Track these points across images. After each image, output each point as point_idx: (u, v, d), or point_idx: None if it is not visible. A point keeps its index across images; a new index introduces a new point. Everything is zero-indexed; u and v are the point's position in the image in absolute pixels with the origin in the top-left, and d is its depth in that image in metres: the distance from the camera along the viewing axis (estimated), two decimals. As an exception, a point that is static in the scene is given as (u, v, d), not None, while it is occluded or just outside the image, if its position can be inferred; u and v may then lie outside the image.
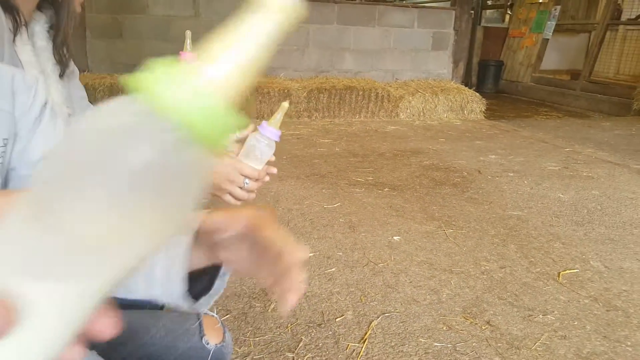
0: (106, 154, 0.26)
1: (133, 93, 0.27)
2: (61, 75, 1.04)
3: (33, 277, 0.26)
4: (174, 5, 5.42)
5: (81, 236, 0.26)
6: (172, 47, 5.46)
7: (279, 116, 0.98)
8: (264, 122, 0.99)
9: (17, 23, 0.89)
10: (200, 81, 0.27)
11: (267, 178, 1.08)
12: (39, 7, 0.99)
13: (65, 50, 1.03)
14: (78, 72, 1.13)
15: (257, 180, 1.04)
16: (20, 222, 0.27)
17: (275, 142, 1.02)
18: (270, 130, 0.99)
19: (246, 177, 1.02)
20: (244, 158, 1.03)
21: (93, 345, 0.73)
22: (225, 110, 0.27)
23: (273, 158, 1.07)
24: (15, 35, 0.90)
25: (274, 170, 1.08)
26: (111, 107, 0.27)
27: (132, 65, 5.30)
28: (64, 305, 0.27)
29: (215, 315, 0.91)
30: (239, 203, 1.06)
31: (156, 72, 0.27)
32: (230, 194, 1.03)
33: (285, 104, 0.97)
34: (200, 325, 0.86)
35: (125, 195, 0.26)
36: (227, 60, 0.28)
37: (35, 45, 0.98)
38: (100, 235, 0.26)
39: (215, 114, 0.27)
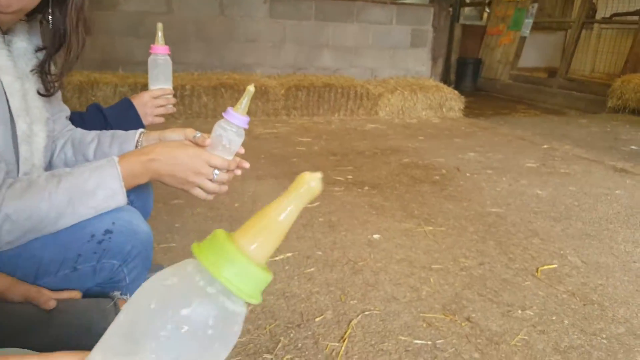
0: (159, 312, 0.33)
1: (194, 259, 0.36)
2: (42, 94, 0.97)
3: None
4: (146, 1, 5.30)
5: None
6: (144, 43, 5.35)
7: (245, 101, 0.91)
8: (229, 109, 0.92)
9: None
10: (244, 255, 0.35)
11: (238, 171, 1.02)
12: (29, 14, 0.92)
13: (50, 77, 0.96)
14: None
15: (227, 171, 0.98)
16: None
17: (244, 129, 0.95)
18: (237, 117, 0.92)
19: (215, 168, 0.96)
20: (212, 149, 0.96)
21: (14, 331, 0.71)
22: (261, 271, 0.35)
23: (242, 150, 1.01)
24: None
25: (247, 164, 1.02)
26: (170, 270, 0.36)
27: (103, 62, 5.23)
28: None
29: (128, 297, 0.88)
30: (210, 197, 1.01)
31: (211, 242, 0.36)
32: (200, 187, 0.97)
33: (251, 88, 0.90)
34: (115, 305, 0.83)
35: (173, 347, 0.33)
36: (264, 234, 0.36)
37: (14, 46, 0.92)
38: None
39: (254, 278, 0.35)
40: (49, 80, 0.97)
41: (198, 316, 0.33)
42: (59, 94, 1.10)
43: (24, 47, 0.94)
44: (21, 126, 0.91)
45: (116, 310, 0.82)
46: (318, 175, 0.38)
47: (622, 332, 1.60)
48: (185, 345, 0.33)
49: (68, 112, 1.16)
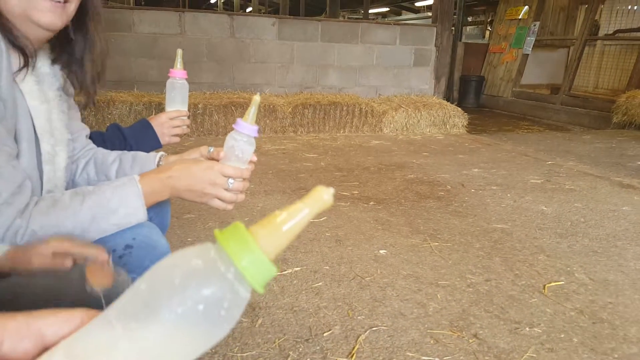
0: (182, 289, 0.37)
1: (214, 244, 0.40)
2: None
3: None
4: (159, 23, 5.43)
5: (151, 345, 0.36)
6: (157, 63, 5.46)
7: (252, 110, 0.93)
8: (238, 120, 0.95)
9: (26, 62, 0.88)
10: (259, 245, 0.39)
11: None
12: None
13: (79, 82, 1.02)
14: (74, 91, 1.11)
15: (243, 179, 1.01)
16: (109, 324, 0.37)
17: (255, 137, 0.98)
18: (246, 127, 0.94)
19: (229, 177, 0.99)
20: (226, 160, 0.99)
21: None
22: (271, 265, 0.39)
23: (255, 157, 1.03)
24: (20, 71, 0.88)
25: (254, 157, 1.05)
26: (194, 251, 0.39)
27: (118, 81, 5.34)
28: None
29: (110, 261, 0.85)
30: (229, 207, 1.03)
31: (232, 232, 0.39)
32: (217, 198, 1.00)
33: (257, 97, 0.92)
34: (81, 273, 0.81)
35: (187, 321, 0.36)
36: (277, 232, 0.40)
37: (39, 71, 0.96)
38: (163, 345, 0.37)
39: (266, 270, 0.39)
40: (71, 94, 1.01)
41: (216, 298, 0.37)
42: (78, 115, 1.13)
43: (47, 72, 0.98)
44: (45, 147, 0.95)
45: (81, 276, 0.79)
46: (331, 190, 0.42)
47: (635, 352, 1.58)
48: (199, 321, 0.37)
49: (88, 131, 1.19)
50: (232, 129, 0.96)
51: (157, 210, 1.14)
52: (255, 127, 0.96)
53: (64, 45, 1.00)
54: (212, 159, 1.05)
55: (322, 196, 0.41)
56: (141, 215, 0.95)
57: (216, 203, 1.01)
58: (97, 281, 0.79)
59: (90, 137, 1.36)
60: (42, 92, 0.95)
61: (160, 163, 1.15)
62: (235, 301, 0.38)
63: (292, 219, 0.41)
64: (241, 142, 0.97)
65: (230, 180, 0.99)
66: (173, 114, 1.44)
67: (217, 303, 0.37)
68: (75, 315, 0.41)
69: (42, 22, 0.85)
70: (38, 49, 0.94)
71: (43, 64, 0.98)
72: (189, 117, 1.49)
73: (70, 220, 0.88)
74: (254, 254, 0.38)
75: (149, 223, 1.00)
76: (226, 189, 0.99)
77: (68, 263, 0.82)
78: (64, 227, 0.87)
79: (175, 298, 0.37)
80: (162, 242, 0.99)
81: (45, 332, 0.39)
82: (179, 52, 1.37)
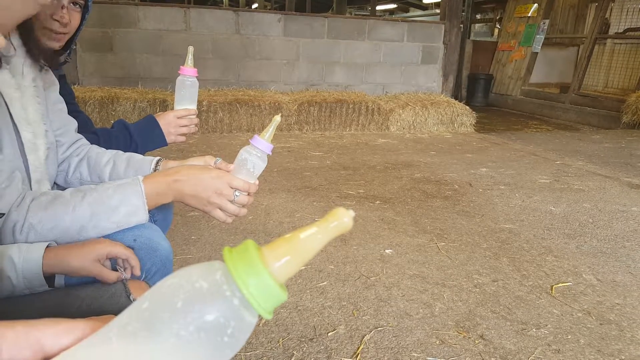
0: (183, 313, 0.35)
1: (221, 263, 0.38)
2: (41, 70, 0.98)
3: None
4: (164, 19, 5.43)
5: None
6: (162, 60, 5.46)
7: (271, 129, 0.95)
8: (256, 136, 0.96)
9: None
10: (269, 269, 0.37)
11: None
12: None
13: (42, 59, 0.97)
14: (59, 84, 1.08)
15: (248, 194, 1.00)
16: (109, 340, 0.36)
17: (268, 155, 0.99)
18: (262, 143, 0.96)
19: (236, 189, 0.98)
20: (236, 172, 0.99)
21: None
22: (281, 291, 0.37)
23: (257, 182, 1.03)
24: None
25: (257, 182, 1.04)
26: (200, 271, 0.37)
27: (122, 78, 5.34)
28: None
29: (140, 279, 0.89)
30: (230, 220, 1.02)
31: (241, 252, 0.37)
32: (221, 208, 0.99)
33: (278, 118, 0.94)
34: (125, 285, 0.83)
35: (187, 345, 0.35)
36: (290, 256, 0.38)
37: (11, 59, 0.92)
38: None
39: (274, 296, 0.37)
40: (40, 64, 0.97)
41: (220, 324, 0.36)
42: (63, 107, 1.09)
43: (21, 62, 0.94)
44: (26, 135, 0.92)
45: (126, 292, 0.83)
46: (351, 213, 0.40)
47: (640, 352, 1.56)
48: (201, 346, 0.35)
49: (76, 124, 1.16)
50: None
51: (160, 207, 1.12)
52: (271, 146, 0.97)
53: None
54: (219, 169, 1.03)
55: (342, 218, 0.39)
56: (142, 215, 0.93)
57: (218, 214, 1.00)
58: (138, 294, 0.83)
59: (96, 133, 1.35)
60: (14, 80, 0.91)
61: (157, 168, 1.12)
62: (240, 327, 0.37)
63: (307, 242, 0.39)
64: (255, 157, 0.97)
65: (236, 193, 0.98)
66: (181, 112, 1.42)
67: (219, 329, 0.36)
68: (77, 326, 0.40)
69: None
70: (9, 35, 0.89)
71: (16, 53, 0.93)
72: (197, 116, 1.47)
73: (69, 216, 0.86)
74: (261, 278, 0.36)
75: (151, 224, 0.98)
76: (230, 201, 0.98)
77: (111, 275, 0.83)
78: (62, 222, 0.86)
79: (176, 321, 0.35)
80: (163, 244, 0.98)
81: (44, 342, 0.39)
82: (190, 49, 1.34)
